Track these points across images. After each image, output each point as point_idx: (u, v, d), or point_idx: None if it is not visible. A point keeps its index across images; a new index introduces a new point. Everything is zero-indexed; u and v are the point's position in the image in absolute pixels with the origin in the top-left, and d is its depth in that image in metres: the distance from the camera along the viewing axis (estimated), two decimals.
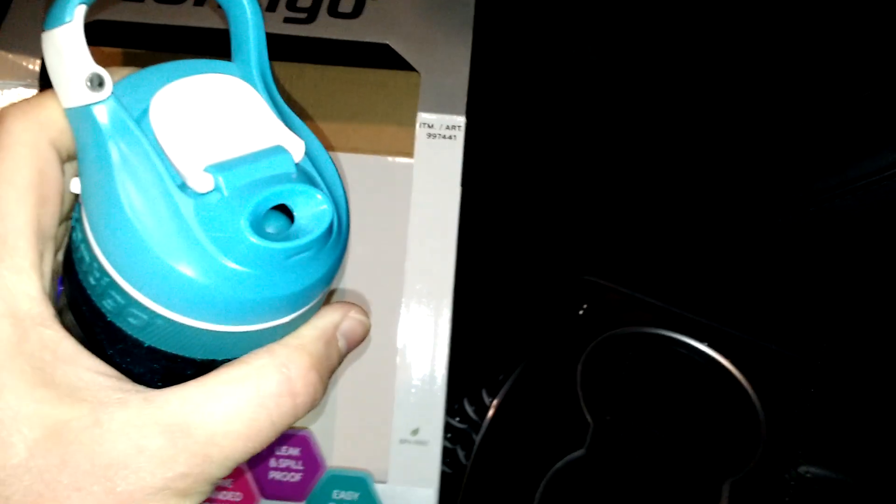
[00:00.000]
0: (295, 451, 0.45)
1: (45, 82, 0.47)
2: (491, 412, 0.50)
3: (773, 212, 0.52)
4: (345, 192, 0.25)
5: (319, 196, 0.23)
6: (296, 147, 0.24)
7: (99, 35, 0.46)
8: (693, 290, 0.52)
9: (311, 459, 0.45)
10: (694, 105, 0.56)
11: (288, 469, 0.45)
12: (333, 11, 0.50)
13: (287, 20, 0.49)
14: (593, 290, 0.52)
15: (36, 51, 0.48)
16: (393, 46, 0.49)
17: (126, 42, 0.47)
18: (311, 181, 0.24)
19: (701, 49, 0.56)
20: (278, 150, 0.23)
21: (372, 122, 0.48)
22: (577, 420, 0.48)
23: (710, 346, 0.48)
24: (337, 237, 0.24)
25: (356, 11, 0.50)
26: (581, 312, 0.50)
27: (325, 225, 0.23)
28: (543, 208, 0.56)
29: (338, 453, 0.45)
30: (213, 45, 0.48)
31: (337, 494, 0.45)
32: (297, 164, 0.23)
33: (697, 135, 0.56)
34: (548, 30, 0.57)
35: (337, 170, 0.25)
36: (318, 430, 0.45)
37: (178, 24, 0.48)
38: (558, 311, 0.52)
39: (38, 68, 0.48)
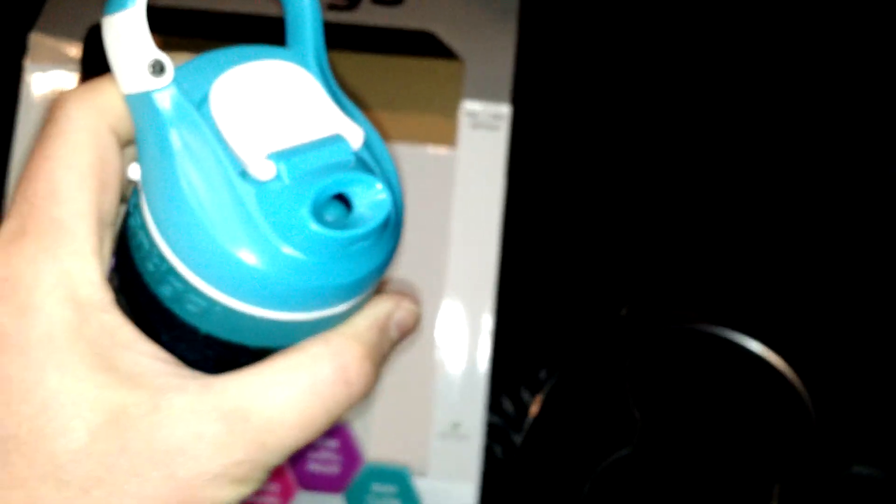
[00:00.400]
0: (334, 444, 0.45)
1: (86, 67, 0.47)
2: (535, 409, 0.49)
3: (836, 203, 0.51)
4: (399, 180, 0.25)
5: (379, 185, 0.23)
6: (354, 135, 0.24)
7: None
8: (745, 286, 0.51)
9: (350, 452, 0.45)
10: (755, 93, 0.55)
11: (327, 461, 0.45)
12: None
13: (330, 7, 0.49)
14: (641, 286, 0.51)
15: (77, 35, 0.48)
16: (436, 34, 0.48)
17: (169, 29, 0.47)
18: (368, 169, 0.24)
19: (768, 44, 0.55)
20: (338, 139, 0.23)
21: (414, 111, 0.48)
22: (624, 417, 0.47)
23: (762, 343, 0.47)
24: (393, 227, 0.24)
25: None
26: (624, 311, 0.50)
27: (383, 214, 0.22)
28: (590, 200, 0.55)
29: (377, 446, 0.45)
30: (256, 32, 0.48)
31: (376, 487, 0.44)
32: (355, 153, 0.23)
33: (757, 123, 0.55)
34: (596, 14, 0.56)
35: (392, 157, 0.25)
36: (357, 423, 0.45)
37: (221, 10, 0.48)
38: (603, 308, 0.51)
39: (79, 53, 0.47)
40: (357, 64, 0.48)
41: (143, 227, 0.23)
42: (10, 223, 0.23)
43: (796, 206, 0.54)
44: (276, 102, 0.23)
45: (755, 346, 0.48)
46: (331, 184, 0.22)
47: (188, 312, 0.24)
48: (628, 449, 0.47)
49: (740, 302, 0.50)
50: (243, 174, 0.22)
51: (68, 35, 0.48)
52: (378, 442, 0.45)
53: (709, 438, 0.47)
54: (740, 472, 0.46)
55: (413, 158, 0.47)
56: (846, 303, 0.51)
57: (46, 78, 0.47)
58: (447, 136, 0.47)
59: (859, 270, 0.52)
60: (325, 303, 0.24)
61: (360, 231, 0.22)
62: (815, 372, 0.47)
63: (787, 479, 0.45)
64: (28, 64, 0.47)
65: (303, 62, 0.25)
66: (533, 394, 0.52)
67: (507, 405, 0.53)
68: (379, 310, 0.26)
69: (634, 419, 0.47)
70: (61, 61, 0.47)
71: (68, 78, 0.47)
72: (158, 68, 0.22)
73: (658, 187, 0.55)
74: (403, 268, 0.46)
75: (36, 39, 0.47)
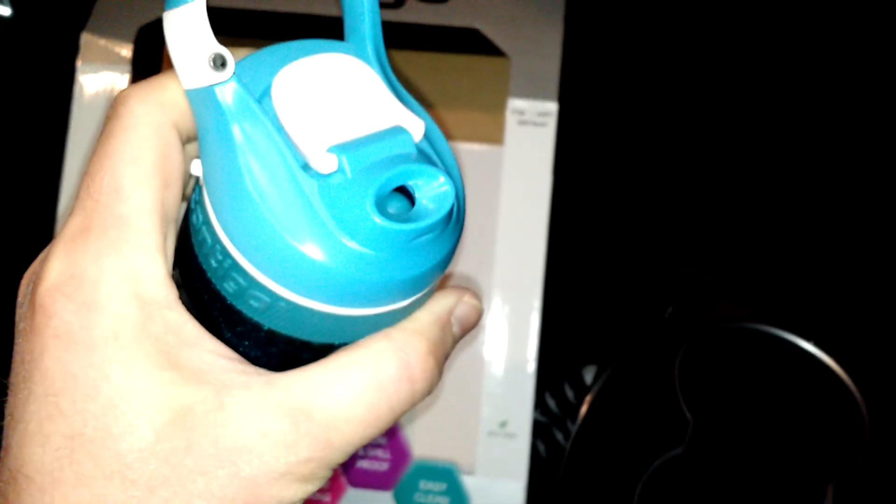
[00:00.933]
0: (383, 441, 0.45)
1: (136, 67, 0.48)
2: (584, 408, 0.49)
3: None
4: (460, 173, 0.25)
5: (442, 178, 0.22)
6: (416, 127, 0.23)
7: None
8: (798, 284, 0.51)
9: (398, 449, 0.45)
10: (808, 83, 0.54)
11: (376, 458, 0.45)
12: None
13: None
14: (691, 284, 0.50)
15: (127, 35, 0.48)
16: (482, 31, 0.48)
17: (225, 30, 0.47)
18: (430, 161, 0.23)
19: (811, 39, 0.54)
20: (399, 131, 0.23)
21: (460, 108, 0.47)
22: (676, 417, 0.47)
23: (816, 344, 0.47)
24: (455, 220, 0.24)
25: None
26: (673, 308, 0.49)
27: (447, 206, 0.22)
28: (637, 196, 0.55)
29: (425, 444, 0.45)
30: (312, 31, 0.48)
31: (424, 485, 0.44)
32: (416, 145, 0.23)
33: (812, 119, 0.54)
34: (641, 10, 0.56)
35: (452, 151, 0.25)
36: (405, 421, 0.45)
37: (277, 10, 0.48)
38: (651, 306, 0.50)
39: (129, 53, 0.48)
40: (403, 61, 0.48)
41: (207, 222, 0.23)
42: (75, 219, 0.23)
43: (851, 204, 0.53)
44: (336, 95, 0.23)
45: (807, 345, 0.47)
46: (393, 176, 0.22)
47: (252, 308, 0.23)
48: (680, 449, 0.46)
49: (793, 301, 0.49)
50: (305, 167, 0.22)
51: (119, 35, 0.48)
52: (426, 440, 0.45)
53: (761, 439, 0.46)
54: (792, 473, 0.45)
55: (460, 156, 0.47)
56: None
57: (98, 78, 0.47)
58: (494, 133, 0.47)
59: None
60: (389, 297, 0.23)
61: (424, 224, 0.22)
62: (867, 372, 0.47)
63: (841, 481, 0.45)
64: (80, 64, 0.47)
65: (362, 55, 0.24)
66: (577, 391, 0.52)
67: (551, 402, 0.52)
68: (441, 305, 0.26)
69: (686, 419, 0.46)
70: (112, 61, 0.48)
71: (119, 78, 0.48)
72: (220, 62, 0.22)
73: (707, 183, 0.55)
74: (452, 263, 0.46)
75: (87, 40, 0.48)
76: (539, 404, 0.52)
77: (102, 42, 0.48)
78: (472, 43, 0.48)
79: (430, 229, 0.22)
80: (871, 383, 0.46)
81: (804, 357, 0.47)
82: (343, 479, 0.45)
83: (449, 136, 0.47)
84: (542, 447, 0.52)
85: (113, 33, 0.48)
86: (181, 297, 0.25)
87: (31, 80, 0.53)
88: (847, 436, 0.46)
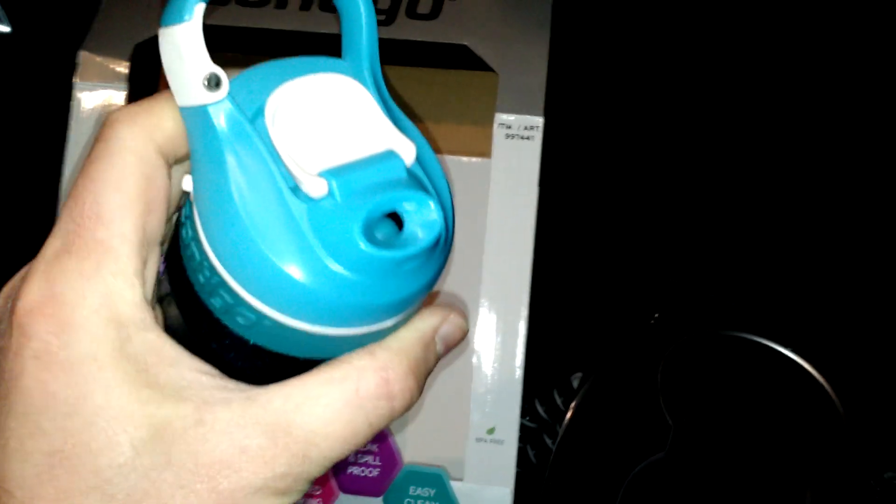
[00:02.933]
0: (373, 448, 0.46)
1: (133, 85, 0.48)
2: (569, 414, 0.49)
3: (868, 208, 0.51)
4: (451, 195, 0.25)
5: (431, 204, 0.22)
6: (407, 151, 0.23)
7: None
8: (775, 291, 0.52)
9: (388, 456, 0.46)
10: (788, 103, 0.55)
11: (366, 465, 0.45)
12: (412, 13, 0.50)
13: None
14: (673, 292, 0.51)
15: (124, 54, 0.49)
16: (471, 47, 0.49)
17: (223, 46, 0.48)
18: (421, 186, 0.23)
19: (806, 52, 0.55)
20: (391, 156, 0.23)
21: (449, 122, 0.48)
22: (657, 423, 0.47)
23: (795, 350, 0.47)
24: (444, 244, 0.24)
25: (434, 12, 0.50)
26: (656, 316, 0.50)
27: (434, 234, 0.22)
28: (621, 208, 0.56)
29: (415, 450, 0.46)
30: (309, 49, 0.49)
31: (414, 490, 0.45)
32: (407, 169, 0.23)
33: (790, 134, 0.55)
34: (627, 27, 0.57)
35: (444, 172, 0.25)
36: (396, 427, 0.46)
37: (275, 28, 0.49)
38: (634, 313, 0.51)
39: (126, 70, 0.49)
40: (394, 76, 0.49)
41: (196, 238, 0.23)
42: (55, 241, 0.24)
43: (828, 211, 0.54)
44: (329, 117, 0.23)
45: (787, 352, 0.48)
46: (382, 202, 0.22)
47: (238, 324, 0.24)
48: (661, 454, 0.47)
49: (771, 307, 0.50)
50: (295, 190, 0.22)
51: (116, 53, 0.49)
52: (416, 445, 0.46)
53: (741, 444, 0.47)
54: (772, 478, 0.46)
55: (449, 168, 0.48)
56: (878, 308, 0.51)
57: (95, 96, 0.48)
58: (482, 147, 0.48)
59: (891, 274, 0.51)
60: (373, 319, 0.24)
61: (410, 251, 0.22)
62: (845, 377, 0.47)
63: (819, 486, 0.45)
64: (77, 82, 0.48)
65: (357, 75, 0.24)
66: (565, 398, 0.52)
67: (541, 409, 0.53)
68: (426, 324, 0.26)
69: (667, 424, 0.47)
70: (109, 79, 0.48)
71: (116, 96, 0.48)
72: (214, 82, 0.22)
73: (688, 195, 0.56)
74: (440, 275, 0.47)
75: (85, 57, 0.49)
76: (529, 411, 0.53)
77: (99, 59, 0.49)
78: (461, 59, 0.49)
79: (416, 256, 0.23)
80: (849, 390, 0.47)
81: (784, 363, 0.48)
82: (334, 485, 0.46)
83: (438, 149, 0.48)
84: (531, 453, 0.53)
85: (110, 51, 0.49)
86: (169, 307, 0.26)
87: (30, 97, 0.54)
88: (826, 440, 0.46)
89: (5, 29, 0.54)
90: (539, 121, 0.47)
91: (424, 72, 0.49)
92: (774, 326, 0.49)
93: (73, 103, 0.48)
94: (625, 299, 0.54)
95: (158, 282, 0.26)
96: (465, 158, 0.48)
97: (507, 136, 0.47)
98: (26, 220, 0.52)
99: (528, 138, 0.47)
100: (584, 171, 0.56)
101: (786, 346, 0.48)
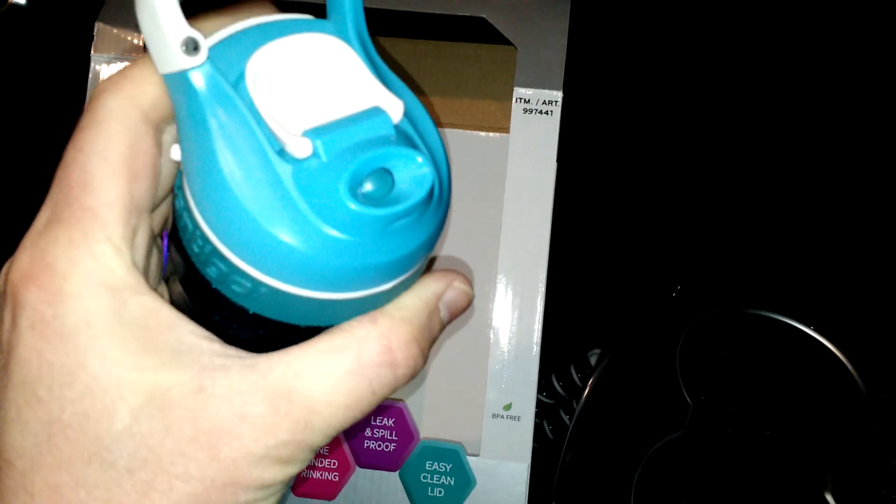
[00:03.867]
0: (389, 422, 0.46)
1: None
2: (587, 391, 0.49)
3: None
4: (446, 153, 0.24)
5: (420, 159, 0.22)
6: (394, 108, 0.23)
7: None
8: (798, 269, 0.51)
9: (405, 430, 0.46)
10: (815, 76, 0.55)
11: (382, 439, 0.45)
12: None
13: None
14: (692, 269, 0.51)
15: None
16: (489, 20, 0.49)
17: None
18: (410, 143, 0.23)
19: (822, 34, 0.54)
20: (377, 112, 0.22)
21: (467, 96, 0.48)
22: (676, 401, 0.47)
23: (816, 329, 0.47)
24: (438, 200, 0.23)
25: None
26: (675, 294, 0.50)
27: (425, 189, 0.22)
28: (641, 182, 0.55)
29: (431, 425, 0.46)
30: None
31: (430, 465, 0.45)
32: (396, 126, 0.23)
33: (816, 107, 0.54)
34: (649, 2, 0.56)
35: (437, 130, 0.25)
36: (412, 403, 0.46)
37: None
38: (654, 290, 0.51)
39: (141, 42, 0.49)
40: (410, 50, 0.48)
41: (187, 208, 0.23)
42: (45, 211, 0.24)
43: (854, 188, 0.53)
44: (313, 77, 0.23)
45: (808, 330, 0.48)
46: (368, 160, 0.21)
47: (235, 293, 0.23)
48: (679, 432, 0.47)
49: (792, 285, 0.49)
50: (281, 152, 0.22)
51: (132, 24, 0.49)
52: (433, 421, 0.46)
53: (760, 423, 0.46)
54: (793, 457, 0.46)
55: (467, 143, 0.47)
56: None
57: (112, 68, 0.48)
58: (500, 122, 0.47)
59: None
60: (371, 281, 0.23)
61: (401, 208, 0.22)
62: (868, 356, 0.47)
63: (840, 467, 0.45)
64: (94, 54, 0.48)
65: (342, 34, 0.24)
66: (583, 374, 0.52)
67: (557, 385, 0.53)
68: (429, 290, 0.26)
69: (685, 402, 0.47)
70: (126, 50, 0.48)
71: None
72: (192, 47, 0.21)
73: (708, 171, 0.55)
74: (457, 250, 0.47)
75: (101, 29, 0.48)
76: (547, 387, 0.53)
77: (116, 31, 0.49)
78: (478, 32, 0.49)
79: (408, 212, 0.22)
80: (872, 369, 0.47)
81: (805, 342, 0.47)
82: (350, 459, 0.46)
83: (456, 124, 0.48)
84: (548, 429, 0.53)
85: (126, 23, 0.49)
86: (174, 282, 0.25)
87: (46, 69, 0.54)
88: (847, 420, 0.46)
89: (21, 0, 0.53)
90: (558, 95, 0.47)
91: (442, 45, 0.49)
92: (795, 304, 0.48)
93: (91, 75, 0.48)
94: (643, 276, 0.53)
95: (167, 260, 0.25)
96: (482, 133, 0.47)
97: (526, 110, 0.47)
98: (43, 193, 0.52)
99: (546, 113, 0.47)
100: (603, 146, 0.56)
101: (807, 325, 0.47)
